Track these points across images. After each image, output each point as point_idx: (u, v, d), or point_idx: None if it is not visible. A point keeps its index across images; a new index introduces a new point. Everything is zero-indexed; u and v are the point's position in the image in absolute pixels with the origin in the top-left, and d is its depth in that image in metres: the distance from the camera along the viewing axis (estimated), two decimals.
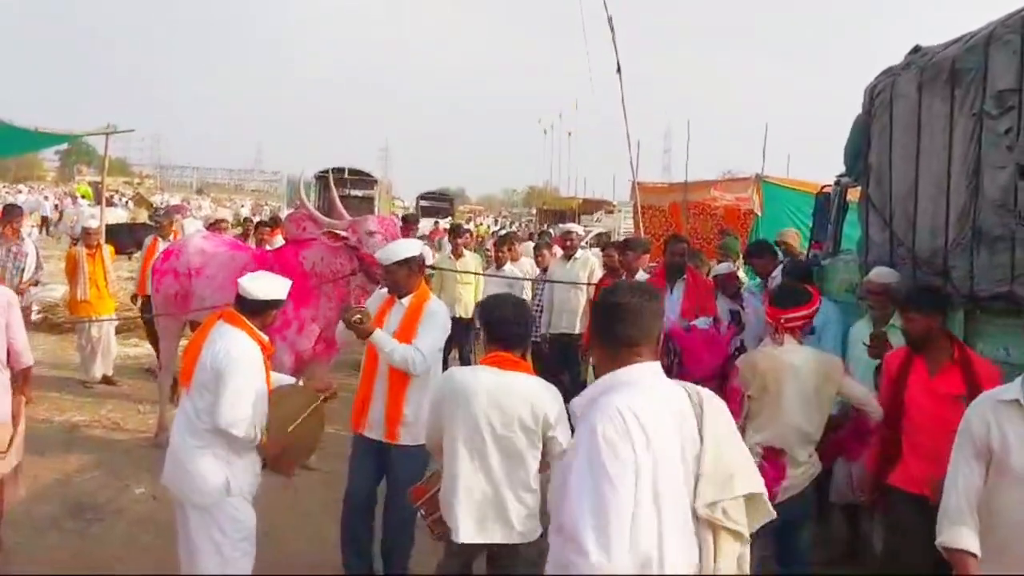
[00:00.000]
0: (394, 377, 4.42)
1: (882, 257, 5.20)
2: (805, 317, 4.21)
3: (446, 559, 3.72)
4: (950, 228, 4.45)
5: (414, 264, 4.59)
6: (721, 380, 4.49)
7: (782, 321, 4.16)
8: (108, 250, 9.58)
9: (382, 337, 4.35)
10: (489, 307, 3.69)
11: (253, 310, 3.97)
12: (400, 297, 4.57)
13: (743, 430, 4.11)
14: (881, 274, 5.05)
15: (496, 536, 3.48)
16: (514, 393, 3.44)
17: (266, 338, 4.03)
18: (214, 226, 9.79)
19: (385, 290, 4.76)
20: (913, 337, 4.12)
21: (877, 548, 4.89)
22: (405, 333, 4.41)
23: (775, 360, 4.07)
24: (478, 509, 3.47)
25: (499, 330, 3.56)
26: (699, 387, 2.40)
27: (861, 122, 5.51)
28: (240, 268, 6.47)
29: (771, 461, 3.99)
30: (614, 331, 2.35)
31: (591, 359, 8.04)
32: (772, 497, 3.91)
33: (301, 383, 4.44)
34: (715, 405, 2.37)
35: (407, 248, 4.64)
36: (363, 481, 4.64)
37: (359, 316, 4.36)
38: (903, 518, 3.95)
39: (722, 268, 6.78)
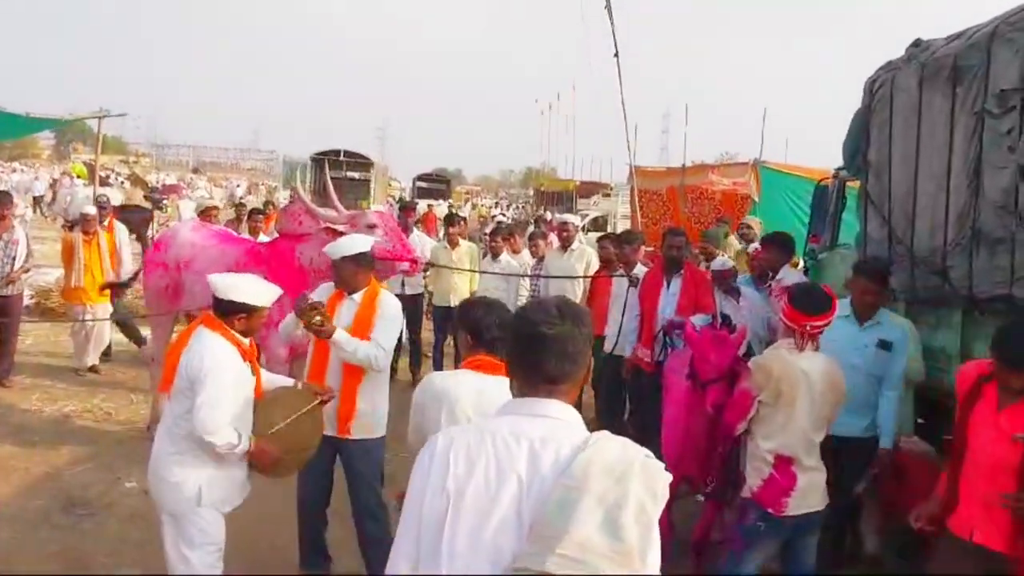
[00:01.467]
0: (348, 373, 4.40)
1: (880, 254, 5.15)
2: (829, 324, 4.03)
3: None
4: (949, 228, 4.41)
5: (364, 260, 4.53)
6: (730, 380, 4.39)
7: (808, 328, 3.96)
8: (106, 237, 9.43)
9: (344, 338, 4.31)
10: (467, 311, 3.55)
11: (224, 311, 3.84)
12: (350, 293, 4.52)
13: (748, 434, 4.07)
14: None
15: None
16: (495, 397, 3.34)
17: (246, 342, 3.92)
18: (205, 214, 9.62)
19: (330, 284, 4.66)
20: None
21: (869, 549, 4.90)
22: (361, 329, 4.38)
23: (791, 366, 3.92)
24: None
25: (480, 334, 3.42)
26: (605, 440, 1.88)
27: (860, 116, 5.44)
28: (233, 261, 6.38)
29: (781, 469, 3.91)
30: (537, 366, 1.96)
31: None
32: (783, 507, 3.88)
33: (300, 385, 4.32)
34: (600, 461, 1.81)
35: (357, 244, 4.58)
36: (316, 480, 4.60)
37: (319, 318, 4.27)
38: (945, 564, 3.53)
39: (717, 264, 6.70)
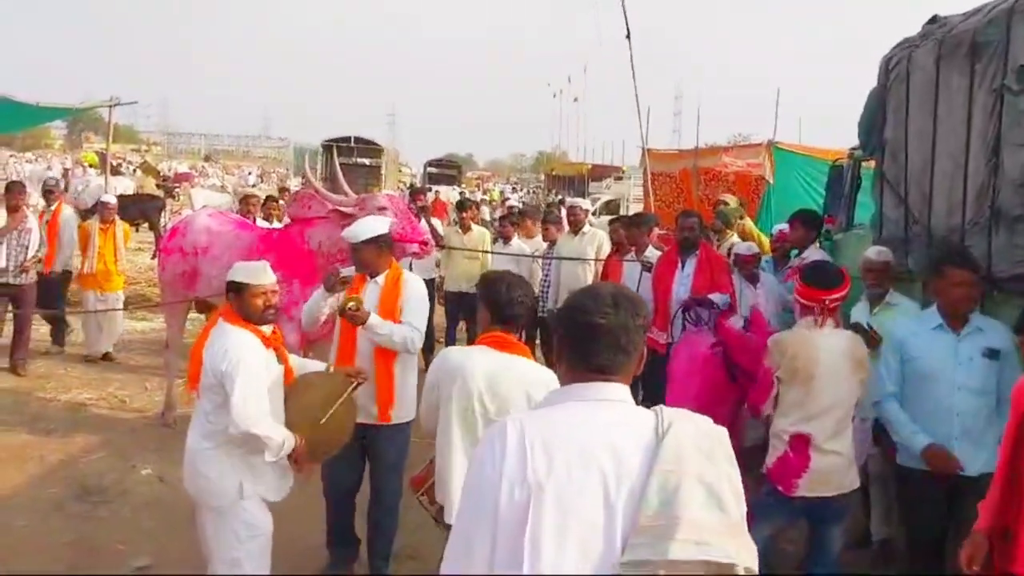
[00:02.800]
0: (381, 357, 4.34)
1: (896, 234, 5.09)
2: (845, 297, 4.01)
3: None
4: (967, 207, 4.34)
5: (384, 242, 4.50)
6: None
7: (827, 303, 3.89)
8: (122, 227, 9.53)
9: (378, 321, 4.25)
10: (490, 285, 3.51)
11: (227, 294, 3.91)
12: (372, 276, 4.47)
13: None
14: (881, 251, 4.97)
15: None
16: (510, 377, 3.33)
17: (267, 330, 3.89)
18: (245, 202, 9.74)
19: (351, 269, 4.58)
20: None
21: (877, 535, 4.85)
22: (387, 311, 4.34)
23: (807, 343, 3.86)
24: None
25: (501, 310, 3.42)
26: (678, 418, 1.86)
27: (876, 95, 5.36)
28: (247, 247, 6.43)
29: (796, 448, 3.84)
30: (588, 356, 1.90)
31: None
32: (793, 488, 3.80)
33: (331, 368, 4.23)
34: (686, 443, 1.80)
35: (376, 226, 4.54)
36: (347, 472, 4.54)
37: (353, 303, 4.22)
38: None
39: (743, 248, 6.52)
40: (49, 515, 5.38)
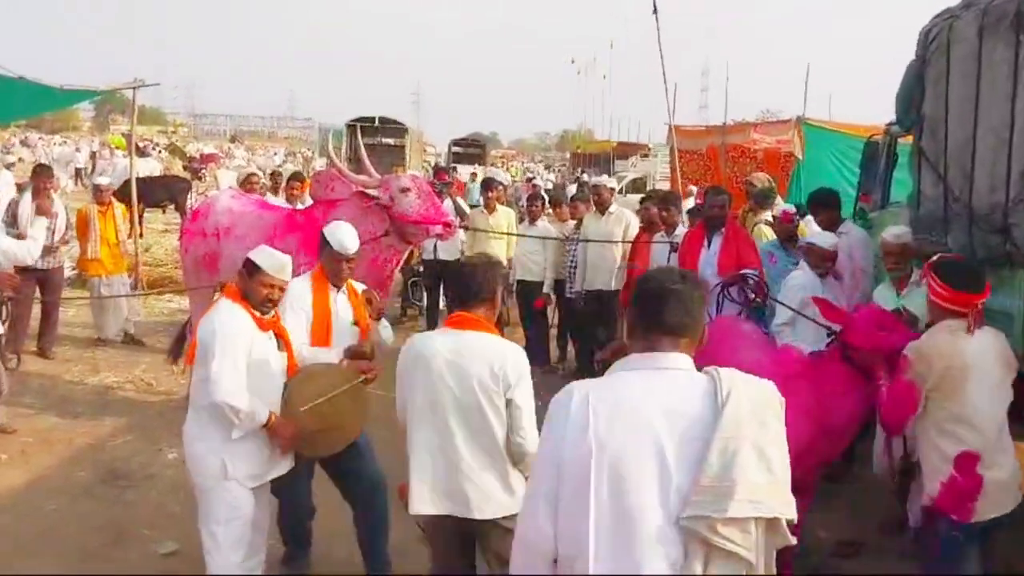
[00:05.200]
0: None
1: (935, 212, 4.92)
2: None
3: (430, 550, 3.58)
4: (1012, 184, 4.19)
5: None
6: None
7: (979, 307, 3.54)
8: (120, 208, 9.51)
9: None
10: (459, 271, 3.61)
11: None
12: (338, 287, 4.39)
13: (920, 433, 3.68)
14: (898, 234, 4.83)
15: (445, 508, 3.28)
16: (472, 353, 3.24)
17: (263, 313, 3.88)
18: (246, 182, 9.62)
19: (303, 283, 4.30)
20: None
21: (913, 522, 4.73)
22: (360, 317, 4.36)
23: (958, 352, 3.49)
24: (432, 479, 3.27)
25: (458, 290, 3.41)
26: (736, 382, 2.05)
27: (914, 68, 5.17)
28: (270, 227, 6.36)
29: (963, 468, 3.48)
30: (659, 317, 2.14)
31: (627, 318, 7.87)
32: (970, 513, 3.45)
33: (346, 363, 4.17)
34: (744, 409, 2.00)
35: (355, 235, 4.44)
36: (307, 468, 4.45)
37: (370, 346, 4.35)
38: None
39: (825, 240, 5.60)
40: (78, 499, 5.40)
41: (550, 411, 2.10)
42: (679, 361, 2.12)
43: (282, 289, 3.90)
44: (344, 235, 4.32)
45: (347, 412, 3.98)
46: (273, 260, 3.89)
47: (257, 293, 3.82)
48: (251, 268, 3.85)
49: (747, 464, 1.96)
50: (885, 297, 4.93)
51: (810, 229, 6.58)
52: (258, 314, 3.82)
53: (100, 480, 5.67)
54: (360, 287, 4.53)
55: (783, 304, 5.10)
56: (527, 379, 3.25)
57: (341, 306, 4.36)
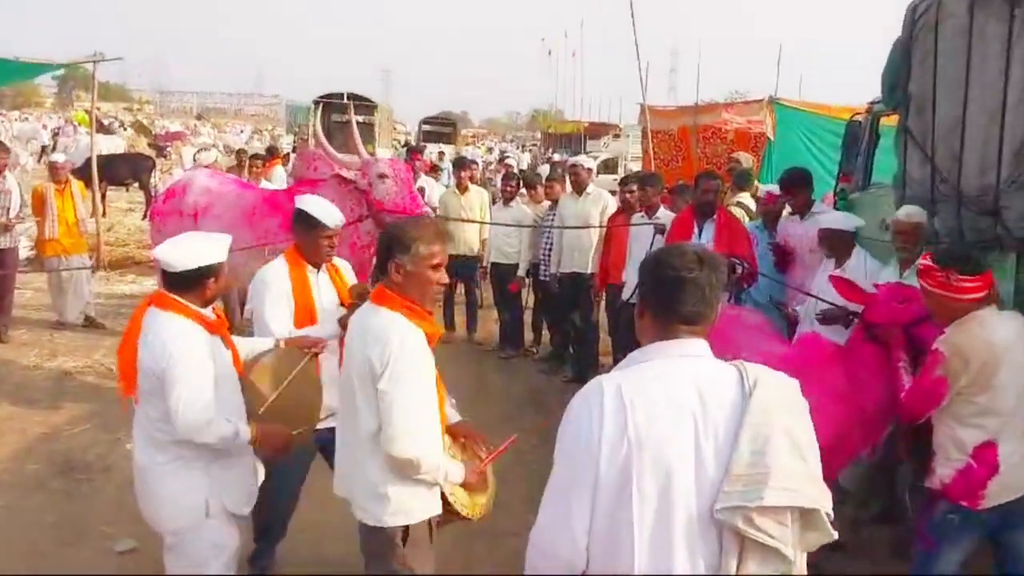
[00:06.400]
0: None
1: (922, 194, 4.78)
2: None
3: None
4: (1003, 165, 4.06)
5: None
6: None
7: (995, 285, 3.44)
8: (78, 186, 9.15)
9: None
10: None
11: (183, 286, 3.22)
12: (317, 267, 4.04)
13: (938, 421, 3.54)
14: (911, 213, 4.69)
15: (342, 492, 3.15)
16: (365, 331, 2.98)
17: (210, 312, 3.32)
18: (239, 155, 9.41)
19: (278, 267, 3.98)
20: None
21: (912, 510, 4.64)
22: (342, 295, 4.06)
23: (987, 344, 3.38)
24: (341, 463, 3.16)
25: (380, 264, 3.09)
26: (762, 373, 2.01)
27: (901, 46, 5.02)
28: (250, 208, 6.23)
29: (981, 457, 3.40)
30: (675, 307, 2.06)
31: (603, 301, 7.72)
32: (979, 500, 3.37)
33: (283, 344, 3.75)
34: (772, 397, 1.96)
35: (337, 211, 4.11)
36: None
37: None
38: None
39: (840, 220, 5.57)
40: (31, 493, 5.16)
41: (575, 407, 2.01)
42: (700, 347, 2.07)
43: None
44: (326, 206, 3.98)
45: (306, 394, 3.67)
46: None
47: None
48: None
49: (779, 450, 1.89)
50: (890, 277, 4.78)
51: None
52: (208, 317, 3.30)
53: (54, 473, 5.41)
54: (344, 265, 4.24)
55: (801, 290, 5.01)
56: (394, 368, 2.88)
57: (324, 287, 4.03)
